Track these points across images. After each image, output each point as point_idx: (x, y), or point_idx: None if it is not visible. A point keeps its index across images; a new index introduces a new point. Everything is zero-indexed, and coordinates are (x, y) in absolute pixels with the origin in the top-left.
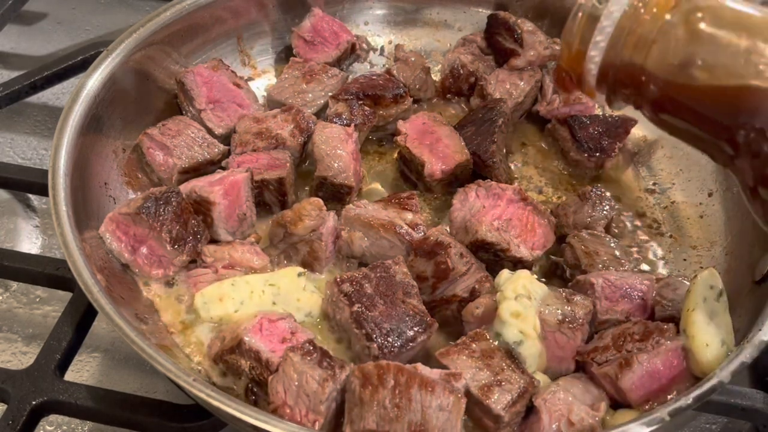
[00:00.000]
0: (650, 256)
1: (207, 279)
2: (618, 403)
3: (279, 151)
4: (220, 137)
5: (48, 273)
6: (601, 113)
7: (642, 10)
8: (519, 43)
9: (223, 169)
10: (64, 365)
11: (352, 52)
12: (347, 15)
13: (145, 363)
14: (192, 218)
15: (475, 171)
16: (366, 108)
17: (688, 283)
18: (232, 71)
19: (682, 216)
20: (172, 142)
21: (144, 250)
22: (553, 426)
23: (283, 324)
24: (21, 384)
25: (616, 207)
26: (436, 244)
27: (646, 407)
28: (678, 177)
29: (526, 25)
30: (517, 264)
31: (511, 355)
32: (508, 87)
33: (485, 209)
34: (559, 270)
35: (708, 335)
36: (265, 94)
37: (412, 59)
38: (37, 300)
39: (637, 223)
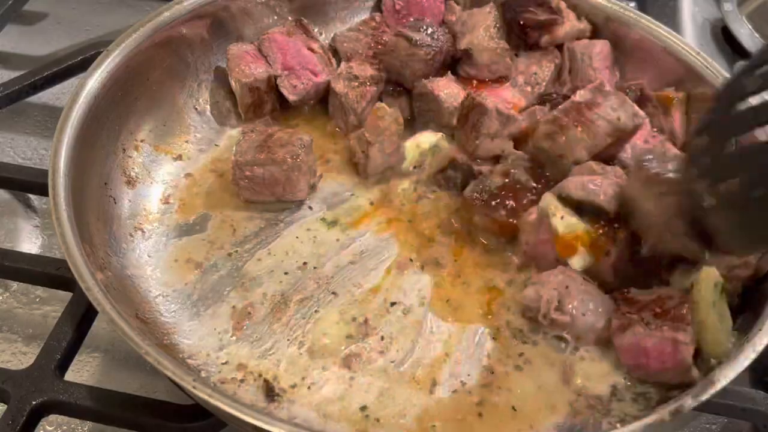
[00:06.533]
0: None
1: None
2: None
3: None
4: (294, 104)
5: (48, 273)
6: None
7: None
8: (556, 12)
9: None
10: (64, 365)
11: None
12: None
13: (145, 363)
14: None
15: None
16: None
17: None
18: (307, 35)
19: None
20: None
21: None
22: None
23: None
24: (21, 384)
25: None
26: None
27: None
28: None
29: None
30: None
31: None
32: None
33: None
34: None
35: (723, 347)
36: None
37: None
38: (37, 300)
39: None
